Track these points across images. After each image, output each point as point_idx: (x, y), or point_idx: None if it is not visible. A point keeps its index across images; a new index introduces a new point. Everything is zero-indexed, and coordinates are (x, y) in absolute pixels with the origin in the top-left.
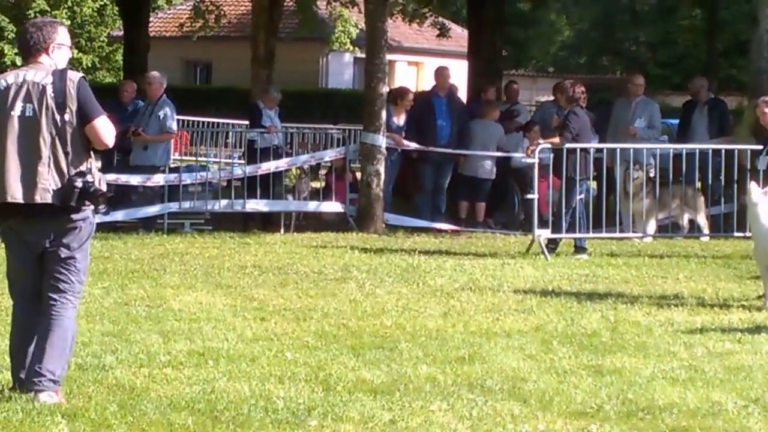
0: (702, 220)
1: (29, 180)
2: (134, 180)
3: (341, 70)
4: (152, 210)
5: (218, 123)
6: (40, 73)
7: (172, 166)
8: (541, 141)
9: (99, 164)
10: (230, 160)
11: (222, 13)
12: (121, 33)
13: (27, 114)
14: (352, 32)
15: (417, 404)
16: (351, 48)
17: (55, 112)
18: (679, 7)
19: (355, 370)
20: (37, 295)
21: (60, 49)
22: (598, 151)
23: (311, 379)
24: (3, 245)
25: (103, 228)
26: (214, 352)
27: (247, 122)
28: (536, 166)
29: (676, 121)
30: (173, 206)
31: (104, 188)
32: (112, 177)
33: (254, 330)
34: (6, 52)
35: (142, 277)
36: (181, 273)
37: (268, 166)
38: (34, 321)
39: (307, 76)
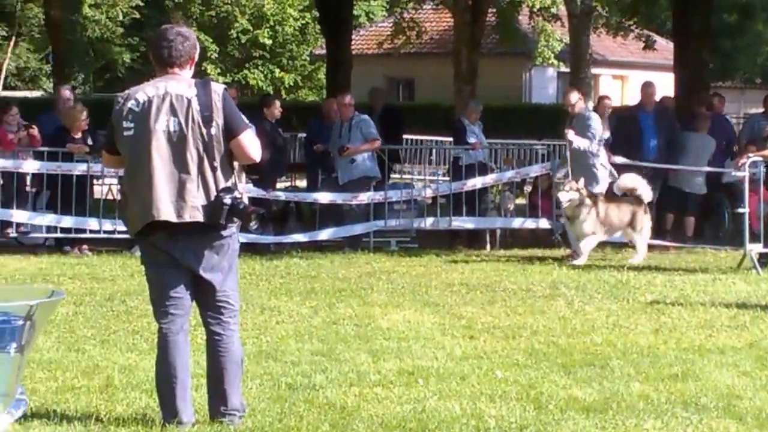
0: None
1: (178, 198)
2: (340, 198)
3: (545, 85)
4: (358, 228)
5: (422, 140)
6: (182, 85)
7: (375, 184)
8: (751, 154)
9: (242, 181)
10: (435, 177)
11: (423, 29)
12: (324, 51)
13: (172, 129)
14: (556, 46)
15: (630, 422)
16: (554, 62)
17: (201, 125)
18: None
19: (567, 389)
20: (185, 315)
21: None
22: None
23: (522, 398)
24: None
25: (309, 247)
26: (424, 371)
27: (450, 139)
28: (746, 179)
29: None
30: (379, 224)
31: (247, 201)
32: (317, 195)
33: (463, 348)
34: (209, 71)
35: (349, 295)
36: (389, 291)
37: (474, 183)
38: (183, 343)
39: (510, 91)
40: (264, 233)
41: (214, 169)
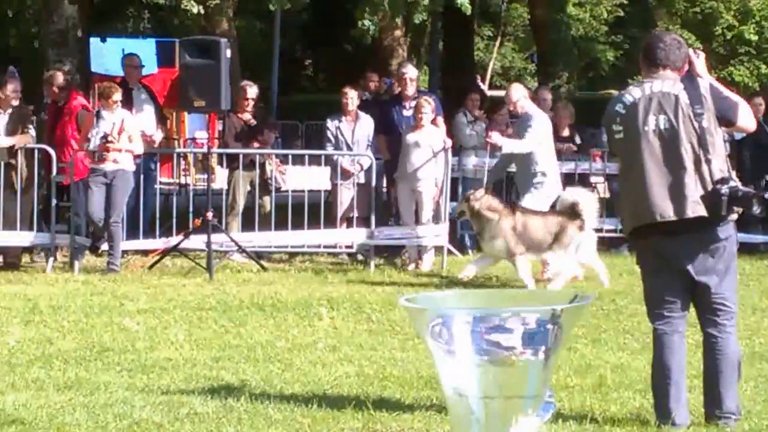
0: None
1: (677, 195)
2: None
3: None
4: None
5: None
6: (667, 83)
7: None
8: None
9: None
10: None
11: None
12: None
13: (662, 126)
14: None
15: None
16: None
17: (692, 119)
18: None
19: None
20: (680, 317)
21: None
22: None
23: None
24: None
25: None
26: None
27: None
28: None
29: None
30: None
31: (744, 188)
32: None
33: None
34: None
35: None
36: None
37: None
38: (678, 344)
39: None
40: (751, 232)
41: (708, 162)
